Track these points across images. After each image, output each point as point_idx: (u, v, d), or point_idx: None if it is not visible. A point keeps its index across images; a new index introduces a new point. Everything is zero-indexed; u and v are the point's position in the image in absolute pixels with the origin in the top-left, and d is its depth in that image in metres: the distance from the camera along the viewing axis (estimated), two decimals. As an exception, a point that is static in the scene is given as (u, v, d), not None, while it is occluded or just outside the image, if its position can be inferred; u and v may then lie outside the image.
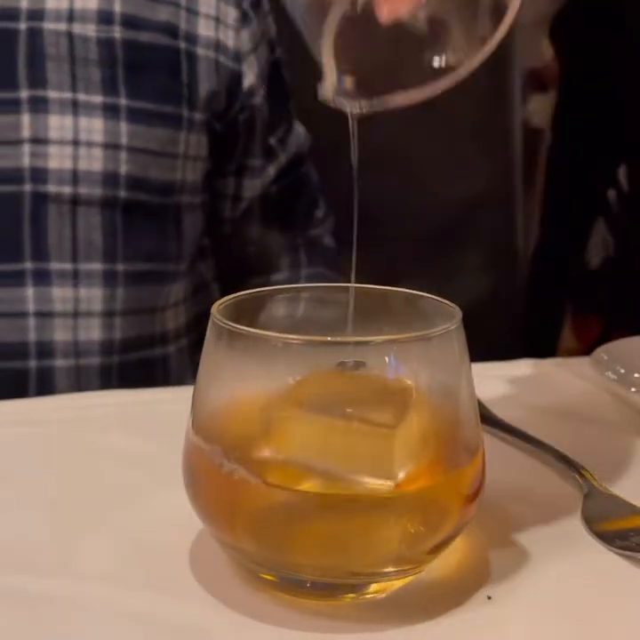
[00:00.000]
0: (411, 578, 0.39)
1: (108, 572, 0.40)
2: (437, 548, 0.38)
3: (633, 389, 0.57)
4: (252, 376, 0.38)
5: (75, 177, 0.76)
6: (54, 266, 0.76)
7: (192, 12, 0.81)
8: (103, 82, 0.76)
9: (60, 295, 0.76)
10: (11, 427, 0.55)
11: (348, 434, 0.37)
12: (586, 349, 0.62)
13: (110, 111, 0.76)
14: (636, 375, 0.60)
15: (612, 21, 1.76)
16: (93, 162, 0.76)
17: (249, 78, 0.84)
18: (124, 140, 0.77)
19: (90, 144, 0.76)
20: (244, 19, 0.84)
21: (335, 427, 0.37)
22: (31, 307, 0.76)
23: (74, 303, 0.77)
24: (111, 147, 0.77)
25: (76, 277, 0.77)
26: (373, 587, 0.38)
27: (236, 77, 0.84)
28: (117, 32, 0.76)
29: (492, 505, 0.42)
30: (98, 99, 0.76)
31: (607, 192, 2.10)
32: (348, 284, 0.43)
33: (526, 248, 1.68)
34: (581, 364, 0.64)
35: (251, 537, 0.37)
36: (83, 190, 0.76)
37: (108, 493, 0.47)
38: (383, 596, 0.38)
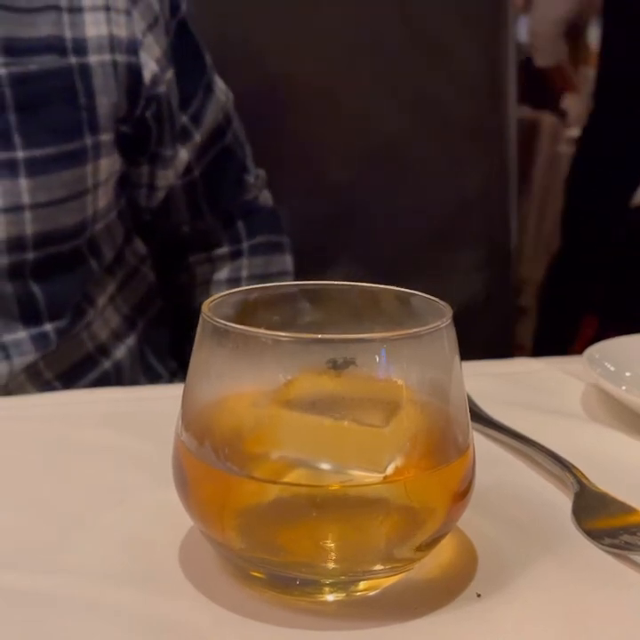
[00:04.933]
0: (400, 576, 0.39)
1: (97, 568, 0.40)
2: (427, 546, 0.38)
3: (624, 388, 0.57)
4: (242, 373, 0.37)
5: None
6: None
7: (75, 9, 0.71)
8: None
9: None
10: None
11: (338, 431, 0.37)
12: (582, 349, 0.62)
13: (6, 168, 0.68)
14: (628, 373, 0.60)
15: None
16: None
17: (149, 67, 0.75)
18: (26, 199, 0.69)
19: None
20: None
21: (325, 424, 0.37)
22: None
23: (8, 377, 0.72)
24: (12, 210, 0.69)
25: (5, 350, 0.72)
26: (363, 584, 0.38)
27: (135, 72, 0.74)
28: (1, 66, 0.67)
29: (482, 502, 0.42)
30: None
31: (631, 201, 2.08)
32: (340, 282, 0.43)
33: (519, 248, 1.68)
34: (573, 362, 0.64)
35: (240, 534, 0.37)
36: None
37: (97, 490, 0.47)
38: (373, 593, 0.38)
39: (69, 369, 0.77)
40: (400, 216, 1.11)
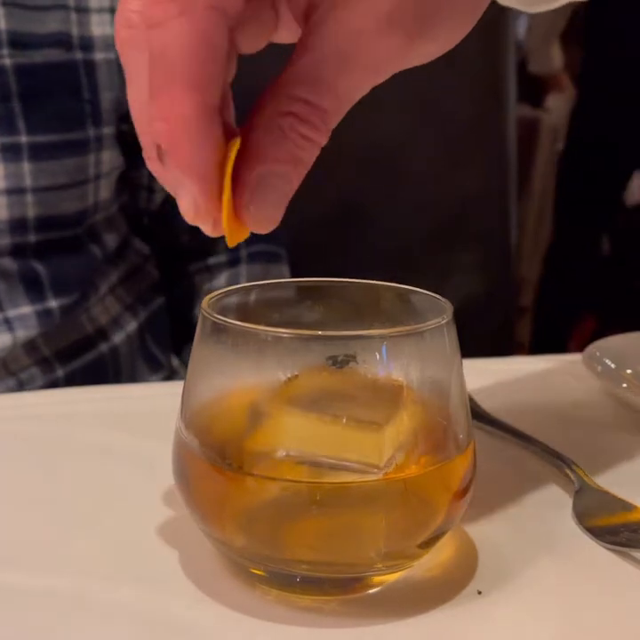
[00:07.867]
0: (401, 573, 0.38)
1: (96, 567, 0.40)
2: (427, 543, 0.38)
3: (624, 385, 0.57)
4: (241, 370, 0.37)
5: None
6: None
7: (82, 9, 0.74)
8: None
9: None
10: None
11: (339, 428, 0.37)
12: (581, 347, 0.62)
13: (9, 152, 0.71)
14: (628, 371, 0.60)
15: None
16: None
17: None
18: (28, 182, 0.72)
19: None
20: None
21: (325, 421, 0.37)
22: None
23: (8, 350, 0.73)
24: (15, 191, 0.72)
25: (8, 323, 0.73)
26: (364, 582, 0.38)
27: None
28: (6, 57, 0.69)
29: (483, 500, 0.42)
30: None
31: (622, 193, 2.08)
32: (340, 279, 0.43)
33: (520, 247, 1.68)
34: (573, 360, 0.64)
35: (241, 532, 0.37)
36: None
37: (97, 490, 0.47)
38: (374, 591, 0.38)
39: (67, 347, 0.78)
40: (400, 216, 1.11)
